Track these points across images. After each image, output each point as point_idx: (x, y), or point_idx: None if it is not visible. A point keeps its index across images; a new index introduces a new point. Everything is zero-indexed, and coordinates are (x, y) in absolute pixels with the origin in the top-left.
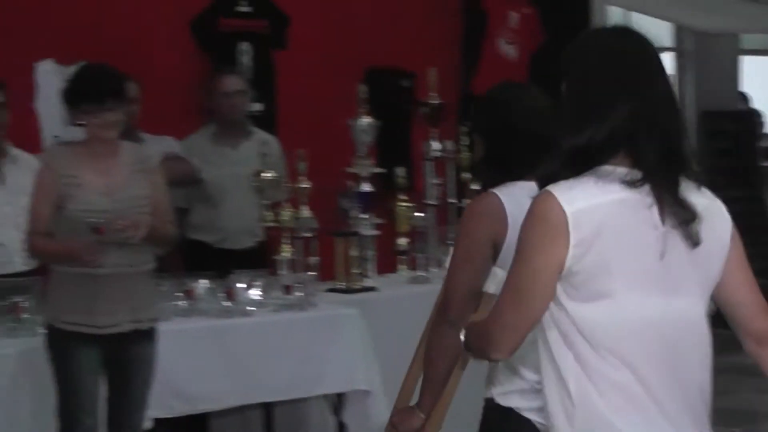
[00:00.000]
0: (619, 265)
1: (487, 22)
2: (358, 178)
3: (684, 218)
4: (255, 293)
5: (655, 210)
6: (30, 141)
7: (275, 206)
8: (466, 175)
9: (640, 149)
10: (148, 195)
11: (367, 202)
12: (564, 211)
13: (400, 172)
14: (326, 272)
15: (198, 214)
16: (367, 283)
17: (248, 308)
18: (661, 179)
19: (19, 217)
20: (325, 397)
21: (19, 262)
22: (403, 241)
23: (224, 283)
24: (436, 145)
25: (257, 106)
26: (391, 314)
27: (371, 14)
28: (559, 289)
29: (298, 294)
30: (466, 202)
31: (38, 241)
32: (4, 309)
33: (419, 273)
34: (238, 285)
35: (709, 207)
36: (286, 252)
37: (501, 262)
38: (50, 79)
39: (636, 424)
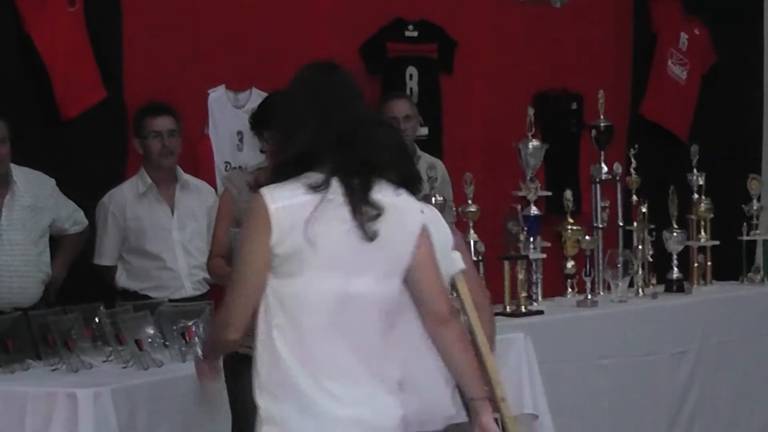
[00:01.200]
0: (308, 251)
1: (657, 43)
2: (525, 202)
3: (370, 215)
4: None
5: (345, 208)
6: (203, 167)
7: None
8: (635, 198)
9: (334, 160)
10: None
11: (535, 225)
12: (268, 208)
13: (568, 195)
14: (493, 295)
15: None
16: (534, 306)
17: None
18: (352, 182)
19: (189, 242)
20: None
21: (189, 287)
22: (570, 265)
23: None
24: (604, 168)
25: (423, 130)
26: (558, 338)
27: (539, 38)
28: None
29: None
30: (635, 225)
31: (216, 264)
32: (175, 333)
33: (587, 296)
34: None
35: (399, 205)
36: None
37: None
38: (222, 105)
39: (319, 382)
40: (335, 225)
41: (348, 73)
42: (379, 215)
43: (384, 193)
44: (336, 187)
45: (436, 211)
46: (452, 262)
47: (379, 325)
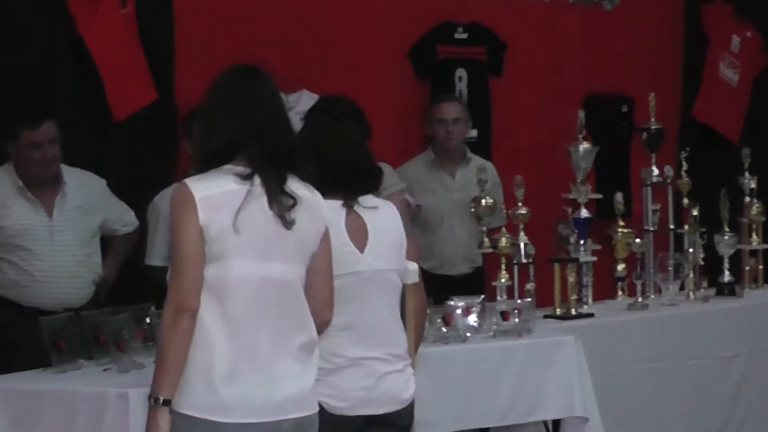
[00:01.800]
0: (230, 237)
1: (709, 46)
2: (576, 204)
3: (286, 205)
4: (472, 319)
5: (264, 198)
6: None
7: (493, 232)
8: (686, 201)
9: (250, 153)
10: None
11: (585, 228)
12: (194, 197)
13: (619, 198)
14: (543, 298)
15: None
16: (585, 309)
17: (465, 334)
18: (269, 175)
19: None
20: (542, 423)
21: None
22: (621, 268)
23: (441, 309)
24: (655, 170)
25: (473, 133)
26: (608, 341)
27: (589, 40)
28: None
29: (515, 320)
30: (686, 228)
31: None
32: None
33: (637, 299)
34: (456, 311)
35: (310, 198)
36: (503, 278)
37: None
38: None
39: (236, 363)
40: (257, 213)
41: (267, 77)
42: (295, 204)
43: (296, 186)
44: (256, 178)
45: (393, 207)
46: (407, 272)
47: (297, 307)
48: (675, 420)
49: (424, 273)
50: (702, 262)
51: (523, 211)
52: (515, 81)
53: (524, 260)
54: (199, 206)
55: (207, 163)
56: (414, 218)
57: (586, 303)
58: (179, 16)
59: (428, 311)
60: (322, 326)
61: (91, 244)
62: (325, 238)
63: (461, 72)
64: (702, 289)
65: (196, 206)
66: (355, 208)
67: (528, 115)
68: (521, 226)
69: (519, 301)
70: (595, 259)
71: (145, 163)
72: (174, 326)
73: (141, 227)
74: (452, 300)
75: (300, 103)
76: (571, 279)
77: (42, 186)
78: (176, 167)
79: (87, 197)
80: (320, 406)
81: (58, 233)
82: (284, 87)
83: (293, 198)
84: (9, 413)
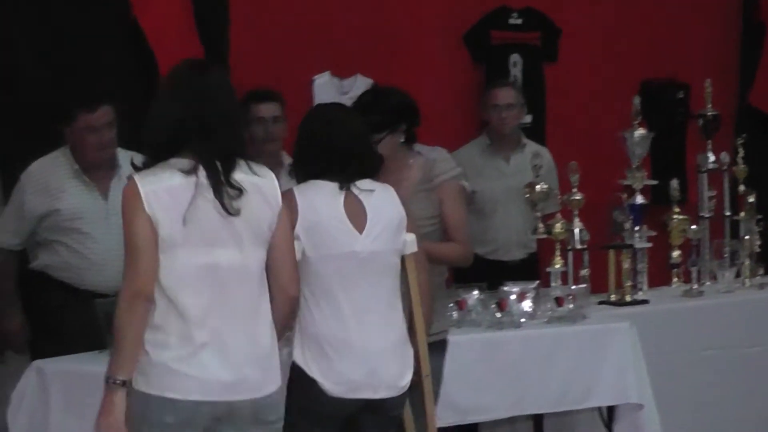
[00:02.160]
0: (177, 229)
1: (767, 32)
2: (631, 191)
3: (231, 194)
4: (526, 305)
5: (210, 189)
6: None
7: (547, 218)
8: (742, 188)
9: (194, 147)
10: (431, 215)
11: (640, 214)
12: (140, 191)
13: (674, 184)
14: (598, 284)
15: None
16: (639, 295)
17: (520, 320)
18: (213, 167)
19: None
20: (597, 410)
21: None
22: (676, 254)
23: (496, 295)
24: (711, 157)
25: (527, 118)
26: (662, 328)
27: (645, 25)
28: None
29: (569, 306)
30: (742, 215)
31: None
32: None
33: (693, 286)
34: (510, 297)
35: (261, 183)
36: (557, 264)
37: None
38: (327, 91)
39: (192, 343)
40: (203, 204)
41: (220, 71)
42: (240, 194)
43: (246, 173)
44: (201, 171)
45: (391, 190)
46: (404, 244)
47: (254, 290)
48: (730, 407)
49: (478, 258)
50: (758, 250)
51: (578, 196)
52: (570, 66)
53: (579, 246)
54: (145, 201)
55: (153, 157)
56: (468, 204)
57: (641, 289)
58: (234, 0)
59: (441, 284)
60: (288, 302)
61: None
62: (282, 216)
63: (516, 57)
64: (758, 277)
65: (142, 201)
66: (353, 190)
67: (583, 100)
68: (576, 212)
69: (573, 287)
70: (650, 245)
71: None
72: (130, 310)
73: None
74: (506, 285)
75: (354, 88)
76: (626, 265)
77: (98, 169)
78: None
79: None
80: (319, 388)
81: (113, 216)
82: (339, 72)
83: (239, 188)
84: (64, 395)
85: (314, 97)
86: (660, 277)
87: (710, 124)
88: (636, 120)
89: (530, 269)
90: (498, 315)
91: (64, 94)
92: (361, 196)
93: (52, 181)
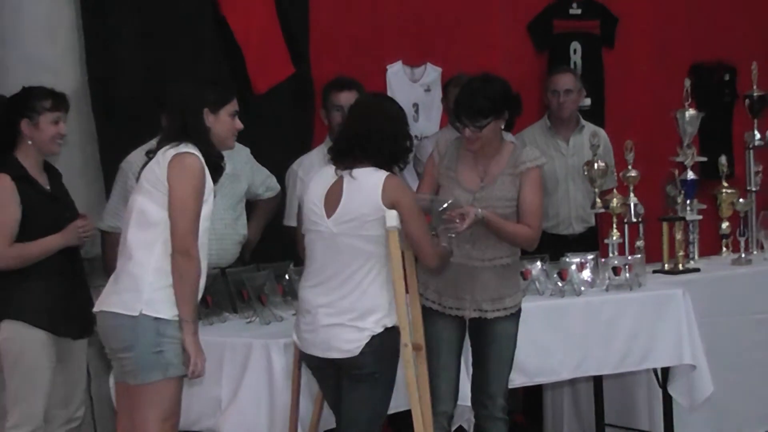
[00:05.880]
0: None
1: None
2: (682, 167)
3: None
4: (586, 274)
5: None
6: None
7: (605, 194)
8: None
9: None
10: (512, 197)
11: (692, 188)
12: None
13: (723, 160)
14: (652, 255)
15: None
16: (691, 264)
17: (580, 288)
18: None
19: None
20: (652, 370)
21: None
22: (725, 225)
23: (558, 265)
24: (757, 134)
25: (587, 101)
26: (714, 293)
27: (695, 12)
28: None
29: (626, 275)
30: None
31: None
32: None
33: (741, 255)
34: (571, 267)
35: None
36: (615, 236)
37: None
38: (400, 79)
39: None
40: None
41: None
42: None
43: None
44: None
45: (380, 180)
46: (384, 219)
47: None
48: None
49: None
50: None
51: (634, 173)
52: (626, 52)
53: (634, 219)
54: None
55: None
56: None
57: (693, 259)
58: None
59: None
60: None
61: (237, 208)
62: (170, 187)
63: (576, 45)
64: None
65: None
66: (344, 175)
67: (638, 83)
68: (632, 188)
69: (630, 257)
70: (700, 217)
71: (283, 132)
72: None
73: (281, 191)
74: (567, 256)
75: (425, 76)
76: (679, 236)
77: None
78: (312, 135)
79: (235, 165)
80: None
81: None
82: (410, 61)
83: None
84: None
85: (388, 85)
86: (710, 247)
87: (756, 104)
88: (687, 101)
89: (590, 242)
90: (560, 284)
91: (157, 90)
92: (346, 183)
93: None
